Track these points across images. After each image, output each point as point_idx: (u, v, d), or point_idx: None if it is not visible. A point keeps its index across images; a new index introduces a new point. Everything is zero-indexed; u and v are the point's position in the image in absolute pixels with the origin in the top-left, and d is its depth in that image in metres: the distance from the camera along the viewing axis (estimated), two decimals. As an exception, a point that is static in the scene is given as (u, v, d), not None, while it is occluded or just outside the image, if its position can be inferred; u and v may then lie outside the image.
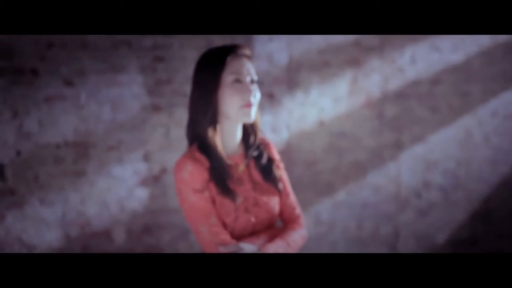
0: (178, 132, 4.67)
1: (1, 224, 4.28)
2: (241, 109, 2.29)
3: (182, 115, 4.64)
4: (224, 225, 2.27)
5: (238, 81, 2.29)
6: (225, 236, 2.23)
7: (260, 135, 2.48)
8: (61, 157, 4.41)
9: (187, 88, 4.59)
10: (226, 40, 4.72)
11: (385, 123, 5.50)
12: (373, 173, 5.53)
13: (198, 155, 2.29)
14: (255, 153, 2.44)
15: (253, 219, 2.33)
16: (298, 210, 2.52)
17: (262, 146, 2.48)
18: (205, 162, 2.28)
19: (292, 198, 2.52)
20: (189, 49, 4.68)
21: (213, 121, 2.31)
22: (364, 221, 5.52)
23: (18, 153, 4.28)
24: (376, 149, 5.52)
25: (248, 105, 2.29)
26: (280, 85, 4.90)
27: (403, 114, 5.57)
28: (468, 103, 5.82)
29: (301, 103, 5.15)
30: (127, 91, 4.55)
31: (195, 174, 2.24)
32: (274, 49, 4.84)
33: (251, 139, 2.45)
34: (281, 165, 2.52)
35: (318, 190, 5.34)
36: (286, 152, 5.03)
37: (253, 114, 2.32)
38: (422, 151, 5.69)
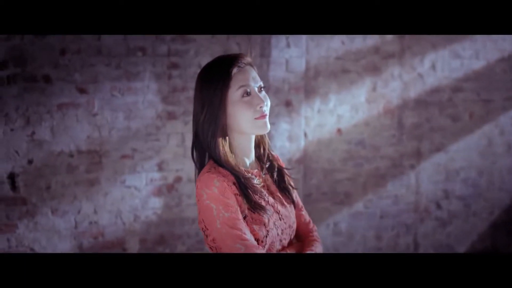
0: (193, 140, 4.58)
1: (13, 234, 4.22)
2: (255, 121, 2.18)
3: (197, 123, 4.56)
4: (257, 242, 2.16)
5: (247, 93, 2.18)
6: (262, 252, 2.14)
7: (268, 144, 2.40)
8: (74, 166, 4.35)
9: (203, 96, 4.56)
10: (242, 43, 4.65)
11: (404, 131, 5.41)
12: (392, 183, 5.44)
13: (222, 169, 2.18)
14: (267, 164, 2.36)
15: (280, 234, 2.23)
16: (312, 222, 2.47)
17: (271, 156, 2.40)
18: (230, 176, 2.17)
19: (305, 210, 2.47)
20: (204, 56, 4.61)
21: (223, 136, 2.21)
22: (383, 232, 5.43)
23: (30, 161, 4.23)
24: (396, 158, 5.42)
25: (262, 116, 2.19)
26: (297, 92, 4.82)
27: (423, 122, 5.47)
28: (489, 111, 5.72)
29: (318, 111, 5.07)
30: (142, 99, 4.49)
31: (225, 188, 2.12)
32: (291, 56, 4.75)
33: (261, 149, 2.37)
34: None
35: (336, 199, 5.25)
36: (303, 161, 4.95)
37: (268, 124, 2.22)
38: (443, 160, 5.59)
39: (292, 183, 2.41)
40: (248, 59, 2.23)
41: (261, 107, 2.17)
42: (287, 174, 2.41)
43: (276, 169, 2.38)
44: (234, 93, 2.16)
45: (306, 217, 2.45)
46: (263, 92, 2.22)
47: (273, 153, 2.42)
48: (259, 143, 2.37)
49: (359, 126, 5.25)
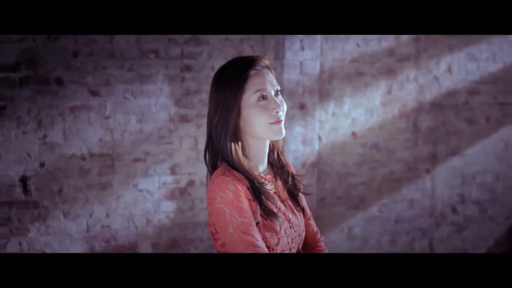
0: (206, 143, 4.55)
1: (25, 238, 4.19)
2: (270, 126, 2.13)
3: (210, 126, 4.53)
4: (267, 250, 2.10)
5: (263, 97, 2.12)
6: None
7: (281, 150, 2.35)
8: (86, 169, 4.32)
9: (216, 99, 4.52)
10: (256, 45, 4.61)
11: (420, 135, 5.35)
12: (407, 187, 5.38)
13: (236, 173, 2.13)
14: (280, 171, 2.32)
15: (290, 242, 2.18)
16: (319, 233, 2.44)
17: (285, 163, 2.35)
18: (245, 180, 2.12)
19: (313, 220, 2.43)
20: (218, 58, 4.58)
21: (237, 140, 2.15)
22: (398, 236, 5.36)
23: (42, 164, 4.20)
24: (411, 161, 5.36)
25: (278, 121, 2.14)
26: (311, 95, 4.77)
27: (439, 126, 5.41)
28: (506, 114, 5.64)
29: (333, 114, 5.02)
30: (154, 101, 4.45)
31: (240, 193, 2.07)
32: (305, 59, 4.71)
33: (275, 155, 2.32)
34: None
35: (351, 204, 5.20)
36: (317, 164, 4.90)
37: (283, 129, 2.16)
38: (459, 164, 5.53)
39: (303, 189, 2.36)
40: (266, 61, 2.17)
41: (277, 112, 2.12)
42: (299, 182, 2.36)
43: (290, 176, 2.33)
44: (250, 97, 2.11)
45: (314, 227, 2.42)
46: (280, 97, 2.17)
47: (285, 159, 2.37)
48: (273, 148, 2.31)
49: (374, 129, 5.20)
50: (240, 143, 2.16)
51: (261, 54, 2.19)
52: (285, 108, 2.17)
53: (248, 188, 2.11)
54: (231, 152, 2.13)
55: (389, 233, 5.33)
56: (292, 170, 2.39)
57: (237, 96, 2.10)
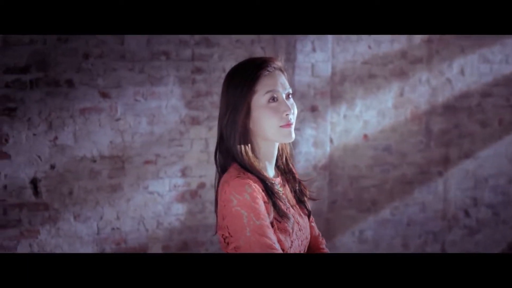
0: (217, 146, 4.53)
1: (35, 240, 4.19)
2: (280, 129, 2.09)
3: (221, 129, 4.51)
4: None
5: (273, 99, 2.09)
6: None
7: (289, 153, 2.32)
8: (97, 171, 4.31)
9: (227, 101, 4.50)
10: (267, 47, 4.59)
11: (432, 137, 5.32)
12: (419, 190, 5.35)
13: (250, 175, 2.09)
14: (288, 176, 2.29)
15: (299, 245, 2.16)
16: (321, 235, 2.42)
17: (292, 167, 2.32)
18: (259, 182, 2.08)
19: (314, 222, 2.40)
20: (229, 60, 4.56)
21: (246, 141, 2.12)
22: (410, 240, 5.33)
23: (53, 166, 4.20)
24: (423, 164, 5.33)
25: (288, 124, 2.10)
26: (323, 97, 4.74)
27: (451, 128, 5.38)
28: (519, 117, 5.60)
29: (344, 116, 4.99)
30: (165, 103, 4.44)
31: (256, 195, 2.03)
32: (317, 61, 4.68)
33: (283, 159, 2.29)
34: None
35: (362, 207, 5.16)
36: (329, 167, 4.87)
37: (293, 133, 2.13)
38: (471, 166, 5.49)
39: (309, 195, 2.33)
40: (278, 63, 2.14)
41: (287, 114, 2.08)
42: (305, 187, 2.33)
43: (297, 181, 2.31)
44: (260, 98, 2.08)
45: (316, 229, 2.40)
46: (291, 100, 2.13)
47: (292, 164, 2.35)
48: (282, 152, 2.28)
49: (386, 132, 5.16)
50: (249, 144, 2.13)
51: (273, 55, 2.14)
52: (296, 111, 2.14)
53: (263, 190, 2.07)
54: (241, 152, 2.10)
55: (401, 236, 5.30)
56: (297, 174, 2.36)
57: (247, 96, 2.08)
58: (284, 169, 2.29)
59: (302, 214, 2.26)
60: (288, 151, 2.30)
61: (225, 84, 2.14)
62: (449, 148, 5.39)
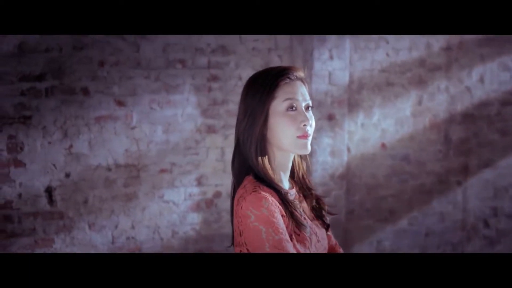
0: (233, 154, 4.49)
1: (50, 249, 4.17)
2: (296, 139, 2.04)
3: (237, 137, 4.48)
4: None
5: (292, 108, 2.03)
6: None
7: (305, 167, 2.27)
8: (112, 180, 4.28)
9: (243, 109, 4.47)
10: (284, 55, 4.55)
11: (451, 146, 5.24)
12: (438, 200, 5.27)
13: (266, 188, 2.04)
14: (306, 192, 2.24)
15: None
16: (338, 244, 2.37)
17: (309, 182, 2.27)
18: (276, 195, 2.04)
19: (331, 231, 2.34)
20: (245, 68, 4.52)
21: (262, 150, 2.07)
22: (428, 250, 5.26)
23: (68, 175, 4.18)
24: (442, 174, 5.25)
25: (305, 135, 2.04)
26: (340, 106, 4.69)
27: (471, 137, 5.30)
28: (540, 126, 5.52)
29: (362, 125, 4.94)
30: (181, 112, 4.41)
31: (274, 210, 1.98)
32: (334, 68, 4.63)
33: (300, 175, 2.24)
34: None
35: (380, 216, 5.10)
36: (346, 176, 4.81)
37: (309, 145, 2.07)
38: (491, 176, 5.40)
39: (327, 210, 2.28)
40: (300, 73, 2.09)
41: (305, 125, 2.03)
42: (323, 203, 2.28)
43: (315, 198, 2.26)
44: (279, 104, 2.03)
45: (333, 239, 2.35)
46: (310, 112, 2.08)
47: (310, 181, 2.30)
48: (298, 167, 2.24)
49: (404, 140, 5.10)
50: (265, 153, 2.09)
51: (294, 65, 2.10)
52: (314, 124, 2.09)
53: (280, 204, 2.03)
54: (256, 160, 2.06)
55: (419, 247, 5.23)
56: (315, 191, 2.31)
57: (266, 102, 2.03)
58: (302, 185, 2.24)
59: (319, 224, 2.21)
60: (304, 167, 2.25)
61: (245, 89, 2.10)
62: (468, 157, 5.31)
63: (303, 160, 2.24)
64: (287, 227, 2.00)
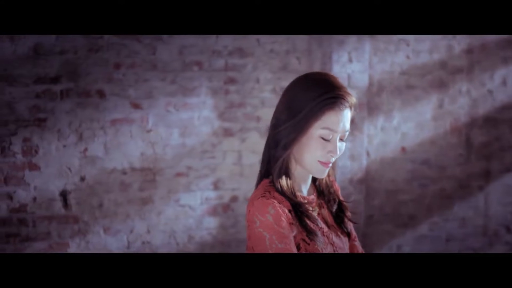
0: (250, 158, 4.45)
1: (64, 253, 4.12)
2: (317, 163, 2.00)
3: (255, 141, 4.43)
4: None
5: (326, 138, 1.98)
6: None
7: (331, 177, 2.22)
8: (127, 184, 4.24)
9: (261, 112, 4.42)
10: (302, 57, 4.49)
11: (472, 150, 5.16)
12: (459, 205, 5.19)
13: (277, 194, 2.00)
14: (328, 198, 2.19)
15: None
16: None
17: (332, 189, 2.21)
18: (286, 202, 2.00)
19: (358, 241, 2.29)
20: (263, 71, 4.46)
21: (285, 161, 2.03)
22: (449, 256, 5.16)
23: (83, 178, 4.14)
24: (463, 178, 5.17)
25: (326, 164, 2.01)
26: (360, 109, 4.61)
27: (493, 141, 5.21)
28: None
29: (382, 128, 4.86)
30: (197, 115, 4.36)
31: (281, 217, 1.94)
32: (353, 71, 4.56)
33: (323, 181, 2.19)
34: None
35: (400, 222, 5.02)
36: (365, 181, 4.74)
37: (327, 172, 2.04)
38: (513, 181, 5.32)
39: (349, 217, 2.23)
40: (353, 99, 2.00)
41: (331, 156, 1.99)
42: (346, 209, 2.22)
43: (336, 204, 2.20)
44: (315, 130, 1.97)
45: (359, 248, 2.28)
46: (343, 141, 2.02)
47: (335, 186, 2.25)
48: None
49: (425, 144, 5.02)
50: (288, 160, 2.05)
51: (349, 91, 1.99)
52: (342, 152, 2.03)
53: (289, 211, 1.99)
54: (277, 163, 2.02)
55: (440, 252, 5.14)
56: (340, 196, 2.26)
57: (310, 120, 1.96)
58: (323, 190, 2.19)
59: (340, 233, 2.16)
60: (328, 180, 2.20)
61: (296, 89, 2.03)
62: (490, 161, 5.22)
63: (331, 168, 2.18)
64: (295, 236, 1.97)
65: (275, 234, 1.92)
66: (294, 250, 1.93)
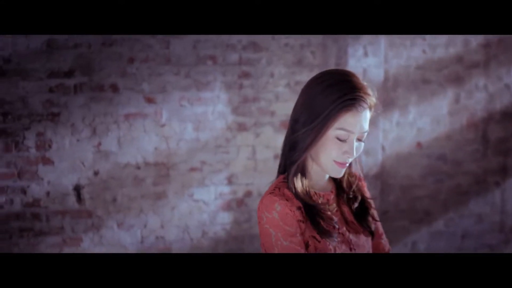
0: (264, 153, 4.41)
1: (78, 248, 4.11)
2: (333, 163, 1.96)
3: (269, 135, 4.40)
4: None
5: (342, 139, 1.93)
6: None
7: (353, 172, 2.16)
8: (141, 178, 4.22)
9: (275, 107, 4.39)
10: (317, 52, 4.45)
11: (489, 146, 5.10)
12: (475, 201, 5.13)
13: (288, 192, 1.98)
14: (350, 195, 2.13)
15: None
16: (390, 251, 2.25)
17: (354, 185, 2.15)
18: (295, 200, 1.97)
19: (385, 238, 2.23)
20: (277, 65, 4.43)
21: (302, 165, 2.00)
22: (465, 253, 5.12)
23: (96, 173, 4.12)
24: (479, 174, 5.11)
25: (342, 164, 1.96)
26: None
27: (509, 136, 5.16)
28: None
29: (397, 123, 4.82)
30: (211, 109, 4.33)
31: (287, 214, 1.92)
32: (369, 65, 4.51)
33: (345, 180, 2.13)
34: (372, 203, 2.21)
35: (415, 217, 4.97)
36: (380, 176, 4.69)
37: (343, 172, 1.99)
38: (531, 177, 5.25)
39: (376, 216, 2.18)
40: (372, 101, 1.95)
41: (347, 157, 1.95)
42: (370, 206, 2.17)
43: (359, 201, 2.14)
44: (331, 131, 1.92)
45: (386, 245, 2.23)
46: (362, 142, 1.98)
47: (362, 178, 2.19)
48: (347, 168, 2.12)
49: (441, 140, 4.97)
50: (304, 160, 2.01)
51: (369, 89, 1.91)
52: (359, 153, 1.99)
53: (299, 208, 1.95)
54: (293, 167, 1.98)
55: (455, 249, 5.10)
56: (365, 191, 2.20)
57: (327, 122, 1.91)
58: (343, 187, 2.14)
59: (361, 232, 2.10)
60: (359, 166, 2.16)
61: (316, 90, 1.97)
62: (507, 157, 5.17)
63: (357, 161, 2.14)
64: (303, 233, 1.94)
65: (280, 231, 1.91)
66: (300, 248, 1.91)
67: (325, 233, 1.96)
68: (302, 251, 1.92)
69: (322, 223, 1.97)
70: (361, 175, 2.20)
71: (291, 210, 1.92)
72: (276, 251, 1.91)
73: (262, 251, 1.97)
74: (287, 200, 1.94)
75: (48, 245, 4.07)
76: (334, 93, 1.91)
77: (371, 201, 2.18)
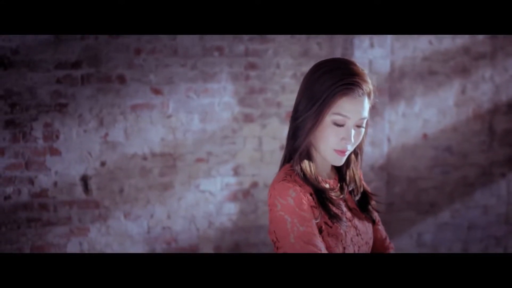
0: (271, 144, 4.43)
1: (85, 238, 4.14)
2: (332, 152, 1.98)
3: (275, 126, 4.41)
4: None
5: (339, 124, 1.95)
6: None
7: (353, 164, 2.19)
8: (148, 169, 4.24)
9: (281, 98, 4.40)
10: (324, 43, 4.45)
11: (495, 137, 5.10)
12: (481, 192, 5.13)
13: (298, 178, 2.00)
14: (351, 187, 2.16)
15: (356, 251, 2.03)
16: (388, 239, 2.30)
17: (359, 181, 2.19)
18: (307, 186, 1.99)
19: (381, 225, 2.29)
20: (284, 56, 4.43)
21: (307, 152, 2.03)
22: (471, 245, 5.12)
23: (103, 164, 4.14)
24: (485, 165, 5.11)
25: (341, 151, 1.98)
26: (381, 95, 4.57)
27: (516, 128, 5.15)
28: None
29: (403, 114, 4.82)
30: (218, 100, 4.34)
31: (302, 200, 1.93)
32: (375, 56, 4.51)
33: (347, 167, 2.16)
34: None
35: (421, 209, 4.98)
36: (386, 167, 4.70)
37: (344, 160, 2.01)
38: (537, 168, 5.25)
39: (376, 207, 2.22)
40: (369, 87, 1.97)
41: (345, 143, 1.96)
42: (371, 198, 2.21)
43: (360, 194, 2.18)
44: (328, 116, 1.95)
45: (383, 232, 2.28)
46: (362, 128, 2.00)
47: (359, 175, 2.22)
48: (349, 161, 2.15)
49: (447, 131, 4.97)
50: (309, 148, 2.04)
51: (365, 75, 1.93)
52: (359, 141, 2.01)
53: (311, 194, 1.98)
54: (296, 154, 2.01)
55: (461, 241, 5.10)
56: (365, 185, 2.23)
57: (324, 107, 1.94)
58: (345, 177, 2.16)
59: (364, 219, 2.14)
60: (358, 160, 2.18)
61: (313, 78, 2.00)
62: (513, 148, 5.17)
63: (357, 153, 2.16)
64: (316, 219, 1.96)
65: (296, 217, 1.91)
66: (316, 233, 1.92)
67: (335, 217, 1.99)
68: (318, 236, 1.92)
69: (332, 207, 1.99)
70: (360, 168, 2.22)
71: (305, 196, 1.95)
72: (291, 237, 1.90)
73: (272, 239, 1.97)
74: (300, 186, 1.96)
75: (56, 235, 4.10)
76: (331, 78, 1.94)
77: (371, 194, 2.22)
